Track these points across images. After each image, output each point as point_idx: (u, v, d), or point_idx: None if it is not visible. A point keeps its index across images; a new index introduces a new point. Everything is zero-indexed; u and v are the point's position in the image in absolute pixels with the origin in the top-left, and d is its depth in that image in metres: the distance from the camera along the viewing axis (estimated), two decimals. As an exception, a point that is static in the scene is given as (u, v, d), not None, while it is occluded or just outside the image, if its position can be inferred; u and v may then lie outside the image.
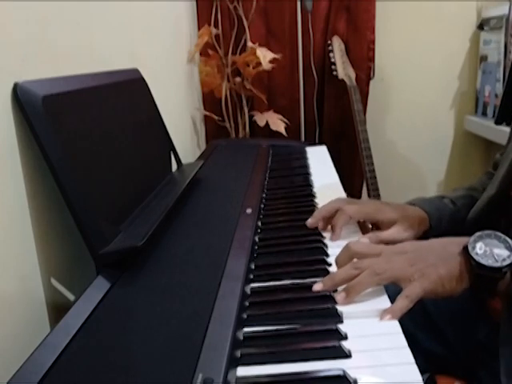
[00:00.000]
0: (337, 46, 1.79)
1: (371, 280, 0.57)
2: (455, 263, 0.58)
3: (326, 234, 0.76)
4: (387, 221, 0.77)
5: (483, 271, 0.56)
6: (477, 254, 0.57)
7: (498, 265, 0.55)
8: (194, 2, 1.78)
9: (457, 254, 0.59)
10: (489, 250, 0.57)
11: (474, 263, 0.56)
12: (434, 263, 0.58)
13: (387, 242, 0.73)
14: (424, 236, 0.79)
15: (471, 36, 1.92)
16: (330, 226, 0.78)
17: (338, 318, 0.54)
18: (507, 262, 0.55)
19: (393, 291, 0.60)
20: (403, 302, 0.55)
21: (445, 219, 0.81)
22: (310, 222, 0.78)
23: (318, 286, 0.59)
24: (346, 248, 0.63)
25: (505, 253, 0.56)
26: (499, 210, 0.72)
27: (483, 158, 2.01)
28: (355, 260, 0.61)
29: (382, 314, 0.54)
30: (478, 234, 0.59)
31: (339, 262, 0.63)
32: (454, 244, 0.60)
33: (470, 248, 0.57)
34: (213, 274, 0.60)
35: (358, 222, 0.81)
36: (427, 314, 0.84)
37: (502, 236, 0.58)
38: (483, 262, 0.56)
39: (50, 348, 0.47)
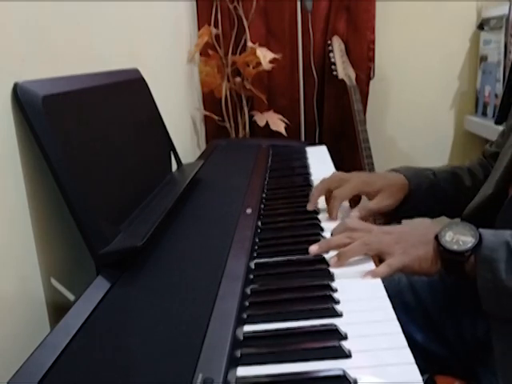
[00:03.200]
0: (337, 46, 1.79)
1: (361, 249, 0.67)
2: (431, 248, 0.66)
3: (326, 234, 0.76)
4: (373, 191, 0.88)
5: (450, 255, 0.64)
6: (445, 241, 0.65)
7: (460, 249, 0.63)
8: (194, 2, 1.78)
9: (432, 239, 0.67)
10: (456, 237, 0.65)
11: (442, 248, 0.65)
12: (415, 245, 0.67)
13: (375, 211, 0.88)
14: (405, 200, 0.90)
15: (471, 36, 1.92)
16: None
17: (338, 318, 0.53)
18: (468, 246, 0.63)
19: (393, 291, 0.61)
20: (384, 268, 0.64)
21: (424, 186, 0.91)
22: (309, 207, 0.86)
23: (314, 248, 0.69)
24: (343, 223, 0.73)
25: (469, 239, 0.64)
26: (496, 207, 0.74)
27: (483, 157, 2.01)
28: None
29: (365, 275, 0.63)
30: (448, 223, 0.67)
31: (335, 234, 0.72)
32: (431, 231, 0.68)
33: (439, 236, 0.66)
34: (213, 274, 0.60)
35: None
36: (427, 314, 0.84)
37: (469, 225, 0.66)
38: (449, 247, 0.64)
39: (50, 348, 0.47)
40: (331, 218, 0.83)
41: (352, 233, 0.69)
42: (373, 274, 0.63)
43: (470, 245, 0.63)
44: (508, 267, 0.60)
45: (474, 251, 0.63)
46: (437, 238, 0.66)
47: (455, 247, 0.64)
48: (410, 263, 0.65)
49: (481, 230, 0.65)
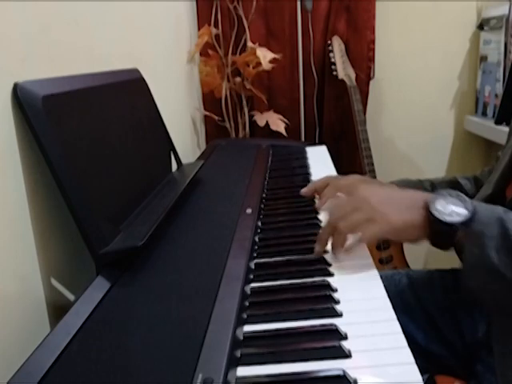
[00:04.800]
0: (337, 46, 1.79)
1: (341, 240, 0.66)
2: (418, 214, 0.63)
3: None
4: None
5: (439, 226, 0.61)
6: (436, 209, 0.61)
7: (451, 220, 0.60)
8: (194, 2, 1.78)
9: (421, 206, 0.63)
10: (448, 207, 0.61)
11: (432, 218, 0.61)
12: (400, 209, 0.64)
13: None
14: None
15: (471, 36, 1.92)
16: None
17: (338, 318, 0.53)
18: (460, 218, 0.60)
19: (393, 291, 0.61)
20: (355, 242, 0.65)
21: None
22: (303, 190, 0.89)
23: (317, 247, 0.68)
24: (329, 184, 0.78)
25: (461, 211, 0.61)
26: None
27: (483, 157, 2.01)
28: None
29: (333, 250, 0.65)
30: (442, 192, 0.64)
31: (325, 193, 0.75)
32: (420, 197, 0.65)
33: (430, 203, 0.62)
34: (213, 274, 0.60)
35: None
36: (427, 314, 0.84)
37: (463, 196, 0.63)
38: (439, 217, 0.61)
39: (49, 348, 0.47)
40: (320, 204, 0.84)
41: (332, 225, 0.67)
42: (346, 250, 0.65)
43: (462, 217, 0.60)
44: (498, 244, 0.57)
45: (466, 224, 0.60)
46: (427, 205, 0.63)
47: (447, 218, 0.60)
48: (391, 229, 0.63)
49: (475, 202, 0.62)
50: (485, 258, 0.58)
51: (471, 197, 0.89)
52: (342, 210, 0.67)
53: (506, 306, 0.61)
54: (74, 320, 0.51)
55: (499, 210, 0.61)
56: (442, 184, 0.92)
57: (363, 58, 1.84)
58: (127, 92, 0.89)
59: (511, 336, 0.63)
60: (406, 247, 1.78)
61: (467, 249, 0.60)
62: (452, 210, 0.61)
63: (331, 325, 0.51)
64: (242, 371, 0.47)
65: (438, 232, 0.62)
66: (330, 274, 0.63)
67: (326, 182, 0.88)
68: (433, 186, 0.92)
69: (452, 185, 0.92)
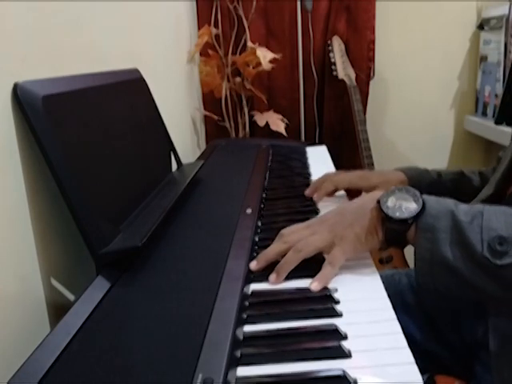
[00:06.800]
0: (337, 46, 1.79)
1: (296, 257, 0.62)
2: (369, 218, 0.63)
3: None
4: (369, 187, 0.86)
5: (391, 223, 0.61)
6: (387, 207, 0.61)
7: (403, 216, 0.59)
8: (194, 2, 1.78)
9: (371, 209, 0.63)
10: (399, 203, 0.61)
11: (384, 215, 0.61)
12: (351, 223, 0.63)
13: None
14: None
15: (471, 36, 1.92)
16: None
17: (338, 318, 0.53)
18: (412, 213, 0.59)
19: (393, 291, 0.61)
20: (327, 269, 0.60)
21: (423, 185, 0.87)
22: (307, 192, 0.89)
23: (253, 265, 0.64)
24: (278, 235, 0.67)
25: (412, 206, 0.60)
26: None
27: (483, 158, 2.01)
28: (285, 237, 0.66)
29: (311, 284, 0.59)
30: (391, 188, 0.63)
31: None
32: (370, 200, 0.64)
33: (381, 202, 0.62)
34: (213, 274, 0.60)
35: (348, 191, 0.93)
36: (426, 314, 0.84)
37: (412, 190, 0.62)
38: (391, 214, 0.60)
39: (50, 348, 0.47)
40: (317, 196, 0.87)
41: (287, 236, 0.65)
42: (321, 281, 0.59)
43: (413, 212, 0.59)
44: (449, 238, 0.56)
45: (416, 218, 0.59)
46: (379, 204, 0.62)
47: (397, 214, 0.60)
48: (351, 247, 0.62)
49: (425, 196, 0.61)
50: (437, 252, 0.57)
51: (478, 189, 0.88)
52: (301, 233, 0.65)
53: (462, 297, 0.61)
54: (74, 320, 0.51)
55: (450, 202, 0.60)
56: (448, 175, 0.91)
57: (363, 58, 1.84)
58: (127, 92, 0.89)
59: (507, 337, 0.63)
60: (406, 247, 1.78)
61: (419, 243, 0.59)
62: (402, 205, 0.60)
63: (331, 325, 0.52)
64: (242, 371, 0.47)
65: (391, 229, 0.61)
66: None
67: (323, 179, 0.90)
68: (439, 176, 0.91)
69: (458, 177, 0.91)
